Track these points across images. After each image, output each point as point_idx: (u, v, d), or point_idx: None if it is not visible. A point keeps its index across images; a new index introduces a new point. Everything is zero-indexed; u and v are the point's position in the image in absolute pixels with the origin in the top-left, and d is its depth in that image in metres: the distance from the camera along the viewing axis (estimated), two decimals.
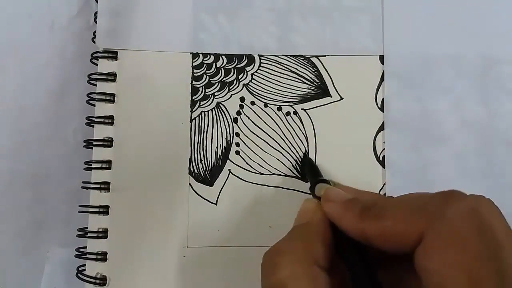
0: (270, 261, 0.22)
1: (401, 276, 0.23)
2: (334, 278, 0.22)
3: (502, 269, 0.19)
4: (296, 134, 0.34)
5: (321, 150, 0.34)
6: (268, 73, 0.34)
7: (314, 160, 0.34)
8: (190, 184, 0.33)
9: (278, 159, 0.34)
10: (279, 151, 0.34)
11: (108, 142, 0.33)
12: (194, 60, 0.34)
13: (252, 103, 0.34)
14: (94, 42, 0.34)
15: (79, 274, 0.32)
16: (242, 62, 0.34)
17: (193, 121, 0.34)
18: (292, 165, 0.34)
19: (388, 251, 0.22)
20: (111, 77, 0.33)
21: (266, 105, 0.34)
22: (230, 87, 0.34)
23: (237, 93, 0.34)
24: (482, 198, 0.21)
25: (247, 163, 0.33)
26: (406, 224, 0.21)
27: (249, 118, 0.34)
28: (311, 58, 0.34)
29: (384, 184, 0.33)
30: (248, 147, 0.34)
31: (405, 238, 0.21)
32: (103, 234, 0.32)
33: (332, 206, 0.24)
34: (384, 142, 0.34)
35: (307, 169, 0.32)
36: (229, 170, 0.33)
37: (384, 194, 0.33)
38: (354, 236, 0.23)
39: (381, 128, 0.34)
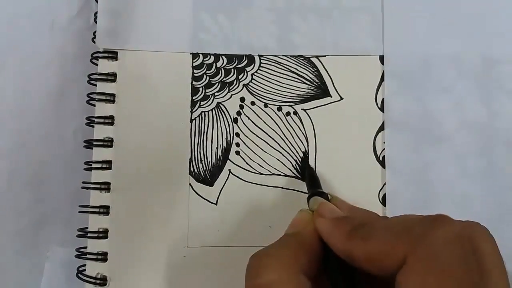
0: (257, 264, 0.22)
1: None
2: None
3: None
4: (296, 134, 0.34)
5: (321, 150, 0.34)
6: (268, 73, 0.34)
7: (314, 160, 0.34)
8: (190, 184, 0.33)
9: (278, 159, 0.34)
10: (279, 151, 0.34)
11: (108, 142, 0.33)
12: (194, 60, 0.34)
13: (252, 103, 0.34)
14: (94, 42, 0.34)
15: (79, 274, 0.32)
16: (242, 62, 0.34)
17: (193, 121, 0.34)
18: (292, 165, 0.34)
19: (373, 273, 0.22)
20: (111, 77, 0.33)
21: (266, 105, 0.34)
22: (230, 87, 0.34)
23: (237, 93, 0.34)
24: (476, 226, 0.21)
25: (247, 163, 0.33)
26: (390, 247, 0.21)
27: (249, 118, 0.34)
28: (311, 58, 0.34)
29: (384, 184, 0.33)
30: (248, 147, 0.34)
31: (389, 261, 0.20)
32: (103, 234, 0.32)
33: (322, 223, 0.24)
34: (384, 142, 0.34)
35: (307, 179, 0.32)
36: (229, 170, 0.33)
37: (384, 194, 0.33)
38: (341, 255, 0.23)
39: (381, 128, 0.34)
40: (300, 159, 0.34)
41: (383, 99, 0.34)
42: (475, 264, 0.19)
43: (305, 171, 0.33)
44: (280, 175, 0.33)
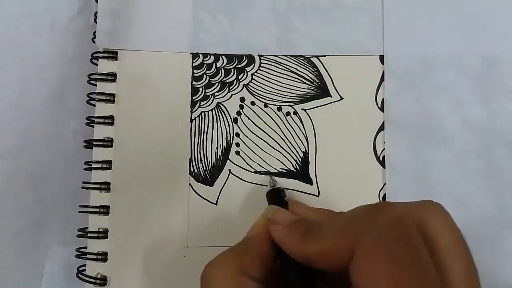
0: (205, 273, 0.23)
1: None
2: None
3: (430, 277, 0.18)
4: (296, 134, 0.34)
5: (321, 150, 0.34)
6: (268, 73, 0.34)
7: (314, 160, 0.34)
8: (190, 184, 0.33)
9: (278, 159, 0.34)
10: (279, 151, 0.34)
11: (108, 142, 0.33)
12: (194, 61, 0.34)
13: (252, 103, 0.34)
14: (94, 42, 0.34)
15: (79, 274, 0.32)
16: (242, 62, 0.34)
17: (193, 121, 0.34)
18: (292, 165, 0.34)
19: (329, 271, 0.22)
20: (111, 77, 0.33)
21: (266, 105, 0.34)
22: (230, 87, 0.34)
23: (237, 93, 0.34)
24: (424, 204, 0.21)
25: (247, 163, 0.33)
26: (336, 241, 0.21)
27: (249, 118, 0.34)
28: (311, 58, 0.34)
29: (384, 184, 0.33)
30: (248, 147, 0.34)
31: (339, 256, 0.21)
32: (103, 234, 0.32)
33: (276, 229, 0.25)
34: (384, 142, 0.34)
35: (270, 194, 0.32)
36: (229, 170, 0.33)
37: (384, 194, 0.33)
38: (297, 258, 0.23)
39: (381, 128, 0.34)
40: (300, 159, 0.34)
41: (383, 99, 0.34)
42: (422, 242, 0.19)
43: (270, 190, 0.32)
44: (280, 175, 0.33)
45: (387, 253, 0.19)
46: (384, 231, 0.20)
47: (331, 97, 0.34)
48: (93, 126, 0.33)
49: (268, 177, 0.33)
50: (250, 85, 0.34)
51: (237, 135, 0.34)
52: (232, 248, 0.25)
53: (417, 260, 0.19)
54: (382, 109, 0.34)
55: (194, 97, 0.34)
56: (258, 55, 0.34)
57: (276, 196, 0.30)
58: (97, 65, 0.34)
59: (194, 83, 0.34)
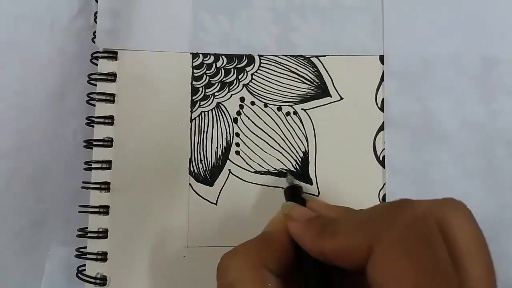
0: (223, 264, 0.23)
1: None
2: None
3: (448, 277, 0.18)
4: (296, 134, 0.34)
5: (321, 150, 0.34)
6: (268, 73, 0.34)
7: (314, 160, 0.33)
8: (190, 184, 0.33)
9: (278, 159, 0.34)
10: (279, 151, 0.34)
11: (108, 142, 0.33)
12: (194, 60, 0.34)
13: (252, 103, 0.34)
14: (94, 42, 0.34)
15: (79, 274, 0.32)
16: (242, 62, 0.34)
17: (193, 121, 0.34)
18: (292, 165, 0.34)
19: (346, 268, 0.22)
20: (111, 77, 0.33)
21: (266, 105, 0.34)
22: (230, 87, 0.34)
23: (237, 93, 0.34)
24: (446, 202, 0.21)
25: (247, 163, 0.33)
26: (356, 238, 0.21)
27: (249, 118, 0.34)
28: (311, 58, 0.34)
29: (384, 184, 0.33)
30: (248, 147, 0.34)
31: (357, 253, 0.20)
32: (103, 234, 0.32)
33: (294, 225, 0.24)
34: (384, 142, 0.34)
35: (288, 190, 0.31)
36: (229, 170, 0.33)
37: (384, 194, 0.33)
38: (314, 254, 0.23)
39: (381, 128, 0.34)
40: (300, 159, 0.34)
41: (383, 99, 0.34)
42: (442, 242, 0.19)
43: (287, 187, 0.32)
44: (280, 175, 0.33)
45: (407, 251, 0.19)
46: (404, 229, 0.20)
47: (331, 97, 0.34)
48: (93, 126, 0.33)
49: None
50: (250, 85, 0.34)
51: (237, 135, 0.34)
52: (251, 241, 0.24)
53: (437, 260, 0.19)
54: (382, 109, 0.34)
55: (194, 97, 0.34)
56: (258, 55, 0.34)
57: (294, 193, 0.30)
58: (97, 65, 0.34)
59: (194, 83, 0.34)
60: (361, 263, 0.20)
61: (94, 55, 0.34)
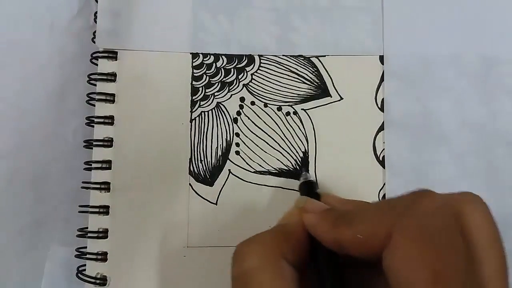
0: (240, 251, 0.23)
1: (373, 285, 0.23)
2: (307, 282, 0.23)
3: (470, 269, 0.18)
4: (296, 134, 0.34)
5: (321, 150, 0.34)
6: (268, 73, 0.34)
7: (314, 160, 0.34)
8: (190, 184, 0.33)
9: (278, 159, 0.34)
10: (279, 151, 0.34)
11: (108, 142, 0.33)
12: (194, 60, 0.34)
13: (252, 103, 0.34)
14: (94, 42, 0.34)
15: (79, 274, 0.32)
16: (242, 62, 0.34)
17: (193, 121, 0.34)
18: (292, 165, 0.34)
19: (362, 257, 0.22)
20: (111, 77, 0.33)
21: (266, 105, 0.34)
22: (230, 87, 0.34)
23: (237, 93, 0.34)
24: (464, 195, 0.21)
25: (247, 163, 0.33)
26: (374, 225, 0.21)
27: (249, 118, 0.34)
28: (311, 58, 0.34)
29: (384, 184, 0.33)
30: (248, 147, 0.34)
31: (374, 240, 0.21)
32: (103, 234, 0.32)
33: (309, 217, 0.25)
34: (384, 142, 0.34)
35: (304, 185, 0.32)
36: (229, 170, 0.33)
37: (384, 194, 0.33)
38: (330, 245, 0.23)
39: (381, 128, 0.34)
40: (300, 159, 0.34)
41: (383, 99, 0.34)
42: (459, 235, 0.19)
43: (303, 182, 0.32)
44: (280, 175, 0.33)
45: (426, 240, 0.19)
46: (424, 218, 0.20)
47: (331, 97, 0.34)
48: (93, 126, 0.33)
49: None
50: (250, 85, 0.34)
51: (237, 135, 0.34)
52: (267, 231, 0.24)
53: (456, 251, 0.19)
54: (382, 109, 0.34)
55: (194, 97, 0.34)
56: (258, 55, 0.34)
57: (309, 188, 0.30)
58: (97, 65, 0.34)
59: (194, 83, 0.34)
60: (378, 251, 0.20)
61: (94, 55, 0.34)
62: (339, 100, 0.34)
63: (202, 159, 0.33)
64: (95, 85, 0.33)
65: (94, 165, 0.33)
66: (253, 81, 0.34)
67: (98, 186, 0.33)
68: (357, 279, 0.24)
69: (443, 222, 0.20)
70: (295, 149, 0.34)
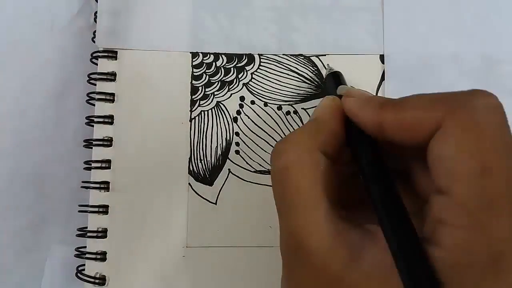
0: (278, 148, 0.23)
1: (411, 173, 0.24)
2: (341, 169, 0.24)
3: None
4: None
5: None
6: (268, 72, 0.34)
7: None
8: (189, 183, 0.33)
9: None
10: None
11: (108, 142, 0.33)
12: (193, 60, 0.34)
13: (252, 102, 0.34)
14: (94, 42, 0.34)
15: (78, 274, 0.32)
16: (242, 61, 0.34)
17: (193, 120, 0.34)
18: None
19: (404, 143, 0.22)
20: (111, 76, 0.33)
21: (266, 104, 0.34)
22: (230, 87, 0.34)
23: (237, 92, 0.34)
24: None
25: (247, 162, 0.33)
26: (426, 112, 0.21)
27: (249, 117, 0.34)
28: (311, 57, 0.34)
29: None
30: (248, 147, 0.34)
31: (423, 126, 0.20)
32: (102, 233, 0.32)
33: (352, 101, 0.24)
34: None
35: (331, 80, 0.31)
36: (229, 169, 0.33)
37: None
38: (370, 130, 0.23)
39: None
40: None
41: None
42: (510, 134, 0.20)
43: (330, 73, 0.31)
44: None
45: (479, 132, 0.19)
46: (481, 110, 0.20)
47: None
48: (93, 126, 0.33)
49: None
50: (250, 84, 0.34)
51: (237, 134, 0.34)
52: (303, 127, 0.25)
53: (507, 149, 0.19)
54: None
55: (193, 96, 0.34)
56: (258, 54, 0.34)
57: (338, 80, 0.30)
58: (97, 64, 0.34)
59: (193, 82, 0.34)
60: (423, 139, 0.20)
61: (94, 55, 0.34)
62: None
63: (202, 158, 0.33)
64: (95, 84, 0.33)
65: (93, 164, 0.33)
66: (253, 80, 0.34)
67: (97, 185, 0.33)
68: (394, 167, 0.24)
69: (498, 119, 0.20)
70: None
